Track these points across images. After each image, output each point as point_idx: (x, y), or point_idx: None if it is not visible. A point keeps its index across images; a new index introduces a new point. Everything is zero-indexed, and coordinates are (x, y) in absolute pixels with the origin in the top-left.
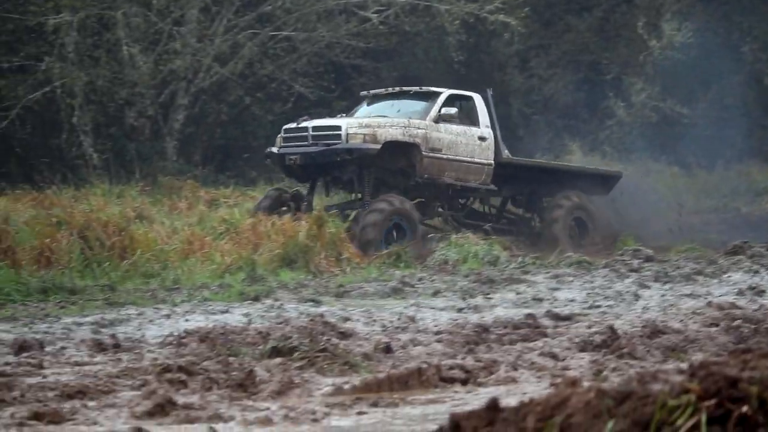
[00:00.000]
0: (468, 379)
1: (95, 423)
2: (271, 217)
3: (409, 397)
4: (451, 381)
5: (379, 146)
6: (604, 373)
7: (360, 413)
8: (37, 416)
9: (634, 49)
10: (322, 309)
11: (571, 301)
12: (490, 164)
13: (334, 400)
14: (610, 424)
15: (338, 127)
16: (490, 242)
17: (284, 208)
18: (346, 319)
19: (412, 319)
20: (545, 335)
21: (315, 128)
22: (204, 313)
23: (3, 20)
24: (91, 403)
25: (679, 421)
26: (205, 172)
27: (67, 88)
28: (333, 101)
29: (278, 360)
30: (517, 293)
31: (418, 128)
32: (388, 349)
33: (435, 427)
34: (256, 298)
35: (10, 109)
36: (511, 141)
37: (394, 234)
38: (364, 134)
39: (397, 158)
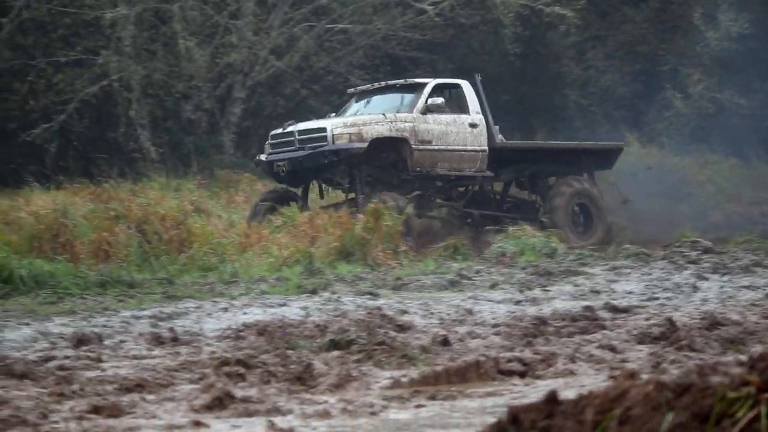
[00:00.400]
0: (526, 371)
1: (154, 416)
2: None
3: (467, 390)
4: (510, 374)
5: (365, 144)
6: (663, 365)
7: (418, 406)
8: (96, 410)
9: (691, 40)
10: (379, 302)
11: (629, 293)
12: (484, 150)
13: (392, 393)
14: (669, 417)
15: (323, 129)
16: (548, 234)
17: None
18: (404, 312)
19: (470, 312)
20: (603, 327)
21: (301, 132)
22: (262, 307)
23: (60, 14)
24: (149, 397)
25: (739, 414)
26: None
27: (125, 82)
28: None
29: (336, 353)
30: (575, 285)
31: (405, 122)
32: (445, 342)
33: (493, 420)
34: (314, 291)
35: (68, 103)
36: (569, 132)
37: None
38: (350, 133)
39: (387, 154)
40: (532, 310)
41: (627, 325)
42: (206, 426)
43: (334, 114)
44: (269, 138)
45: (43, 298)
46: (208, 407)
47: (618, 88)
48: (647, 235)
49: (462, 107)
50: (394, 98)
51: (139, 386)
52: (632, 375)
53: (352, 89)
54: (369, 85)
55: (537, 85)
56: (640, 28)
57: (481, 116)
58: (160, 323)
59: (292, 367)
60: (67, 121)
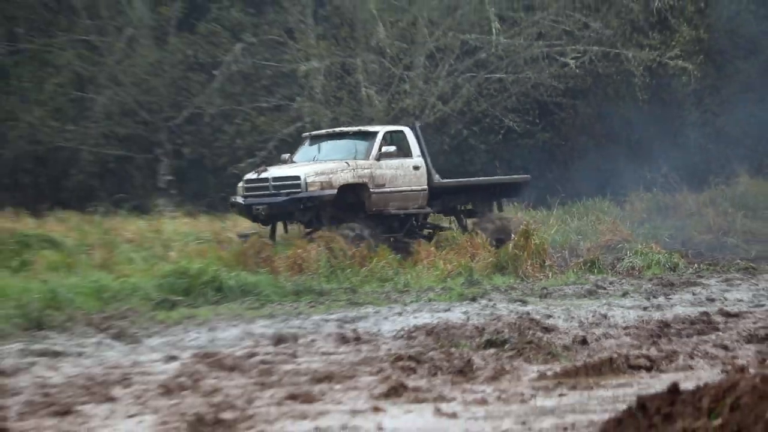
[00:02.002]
0: (652, 366)
1: (340, 403)
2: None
3: (602, 382)
4: (638, 368)
5: (335, 191)
6: (767, 361)
7: (561, 395)
8: (292, 397)
9: None
10: (528, 308)
11: (740, 300)
12: (424, 189)
13: (539, 384)
14: None
15: (297, 177)
16: (670, 252)
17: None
18: (549, 317)
19: (605, 316)
20: (717, 330)
21: (276, 179)
22: (430, 311)
23: (263, 67)
24: (336, 386)
25: None
26: None
27: (316, 124)
28: (537, 133)
29: (492, 350)
30: (693, 294)
31: (364, 168)
32: (584, 342)
33: (624, 407)
34: (473, 299)
35: (268, 142)
36: (689, 167)
37: None
38: (321, 182)
39: (349, 197)
40: (657, 315)
41: (737, 328)
42: (383, 411)
43: (288, 155)
44: (243, 182)
45: (248, 304)
46: (385, 395)
47: (731, 129)
48: (757, 252)
49: (405, 151)
50: (347, 144)
51: (328, 377)
52: (742, 369)
53: (306, 134)
54: (323, 131)
55: (662, 127)
56: (750, 77)
57: (421, 159)
58: (345, 325)
59: (455, 362)
60: (267, 156)
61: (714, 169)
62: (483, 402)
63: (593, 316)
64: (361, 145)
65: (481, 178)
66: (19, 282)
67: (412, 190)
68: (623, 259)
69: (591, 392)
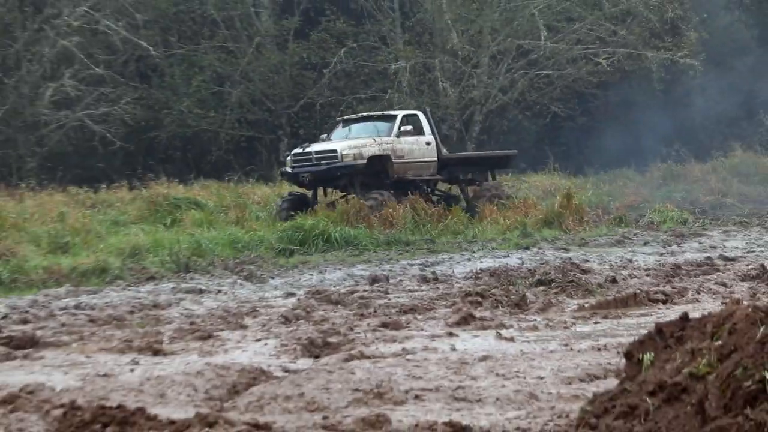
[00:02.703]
0: (667, 300)
1: (422, 330)
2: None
3: (628, 312)
4: (656, 302)
5: (365, 161)
6: (758, 295)
7: (596, 323)
8: (384, 325)
9: None
10: (570, 254)
11: (736, 248)
12: (435, 160)
13: (579, 314)
14: (761, 329)
15: (334, 150)
16: (681, 210)
17: (295, 213)
18: (586, 261)
19: (630, 261)
20: (718, 270)
21: (317, 152)
22: (492, 257)
23: (362, 66)
24: (419, 317)
25: None
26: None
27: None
28: (576, 117)
29: (541, 288)
30: (699, 243)
31: (387, 143)
32: (614, 281)
33: (645, 332)
34: (527, 247)
35: None
36: (696, 142)
37: None
38: (354, 153)
39: (376, 166)
40: (671, 260)
41: (734, 269)
42: (456, 336)
43: (325, 136)
44: (291, 156)
45: (350, 252)
46: (457, 323)
47: (728, 113)
48: (749, 210)
49: (419, 130)
50: (373, 125)
51: (412, 309)
52: (737, 302)
53: (339, 117)
54: (352, 116)
55: (674, 111)
56: (742, 72)
57: (431, 136)
58: (426, 269)
59: (512, 297)
60: None
61: (715, 144)
62: (534, 328)
63: (621, 261)
64: (384, 125)
65: (478, 152)
66: (171, 235)
67: (425, 161)
68: (644, 215)
69: (619, 320)
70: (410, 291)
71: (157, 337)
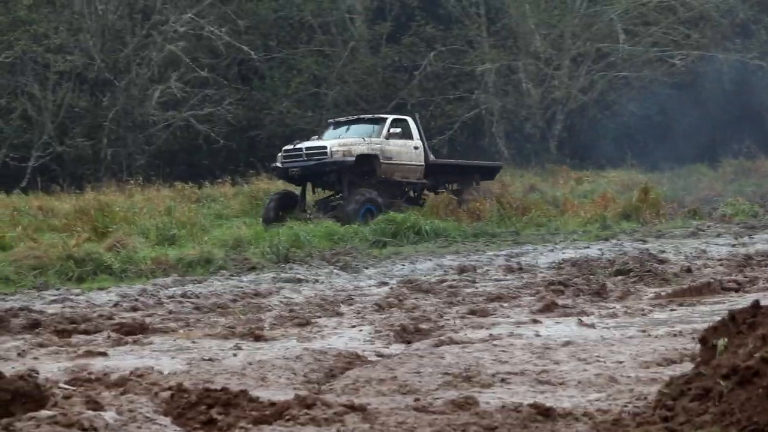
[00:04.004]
0: (739, 288)
1: (507, 317)
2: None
3: (702, 300)
4: (729, 290)
5: (354, 158)
6: None
7: (671, 310)
8: (472, 312)
9: None
10: (647, 245)
11: None
12: (422, 165)
13: (655, 302)
14: None
15: (324, 147)
16: (752, 203)
17: (282, 212)
18: (662, 252)
19: (704, 251)
20: None
21: (308, 148)
22: (574, 249)
23: (450, 68)
24: (505, 305)
25: None
26: (575, 161)
27: (489, 110)
28: (653, 116)
29: (620, 277)
30: None
31: (376, 144)
32: (688, 270)
33: (719, 318)
34: (606, 239)
35: (454, 123)
36: (765, 140)
37: None
38: (343, 150)
39: (364, 165)
40: (742, 250)
41: None
42: (540, 322)
43: (316, 137)
44: (282, 151)
45: (439, 244)
46: (541, 311)
47: None
48: None
49: (408, 135)
50: (363, 127)
51: (499, 298)
52: None
53: (330, 120)
54: (343, 117)
55: (745, 110)
56: None
57: (419, 141)
58: (511, 259)
59: (593, 286)
60: (453, 135)
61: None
62: (614, 315)
63: (695, 251)
64: (373, 128)
65: (464, 161)
66: (271, 228)
67: (413, 164)
68: (717, 209)
69: (694, 308)
70: (496, 280)
71: (258, 323)
